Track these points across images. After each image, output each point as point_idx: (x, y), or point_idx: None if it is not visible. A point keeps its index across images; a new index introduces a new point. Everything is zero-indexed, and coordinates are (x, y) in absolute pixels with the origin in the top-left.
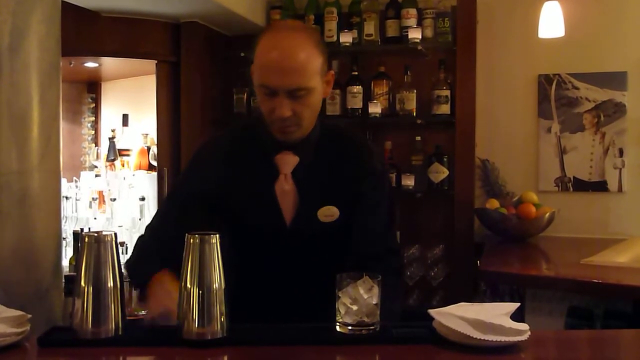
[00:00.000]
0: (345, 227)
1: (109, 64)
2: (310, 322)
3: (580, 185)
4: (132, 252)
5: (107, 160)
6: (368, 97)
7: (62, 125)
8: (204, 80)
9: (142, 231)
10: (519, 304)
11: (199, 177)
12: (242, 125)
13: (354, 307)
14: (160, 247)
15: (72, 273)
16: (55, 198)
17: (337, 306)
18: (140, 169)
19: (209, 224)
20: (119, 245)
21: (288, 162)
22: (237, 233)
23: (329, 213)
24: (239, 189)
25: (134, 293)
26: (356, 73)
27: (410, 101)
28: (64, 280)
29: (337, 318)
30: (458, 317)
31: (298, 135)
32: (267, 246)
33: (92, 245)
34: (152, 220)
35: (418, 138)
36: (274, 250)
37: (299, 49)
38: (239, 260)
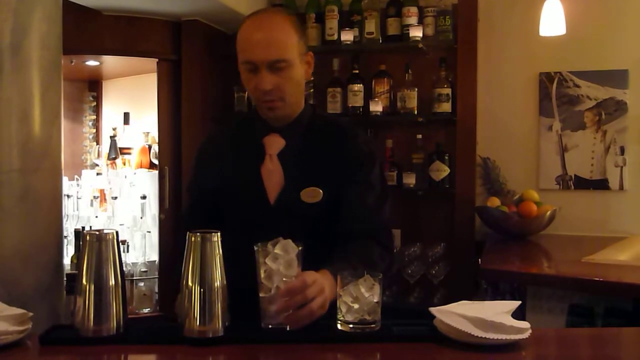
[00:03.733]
0: (330, 209)
1: (110, 62)
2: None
3: (581, 184)
4: None
5: (109, 158)
6: (369, 96)
7: (63, 124)
8: (205, 78)
9: (143, 229)
10: (519, 302)
11: (200, 172)
12: (238, 117)
13: (355, 306)
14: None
15: (73, 271)
16: (56, 196)
17: (338, 304)
18: (141, 167)
19: (216, 217)
20: (120, 244)
21: (275, 143)
22: (229, 217)
23: (313, 194)
24: (230, 173)
25: (135, 291)
26: (357, 71)
27: (411, 99)
28: (65, 279)
29: (339, 316)
30: (459, 315)
31: (284, 112)
32: (253, 226)
33: (93, 243)
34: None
35: (419, 136)
36: (260, 231)
37: (276, 24)
38: (231, 245)
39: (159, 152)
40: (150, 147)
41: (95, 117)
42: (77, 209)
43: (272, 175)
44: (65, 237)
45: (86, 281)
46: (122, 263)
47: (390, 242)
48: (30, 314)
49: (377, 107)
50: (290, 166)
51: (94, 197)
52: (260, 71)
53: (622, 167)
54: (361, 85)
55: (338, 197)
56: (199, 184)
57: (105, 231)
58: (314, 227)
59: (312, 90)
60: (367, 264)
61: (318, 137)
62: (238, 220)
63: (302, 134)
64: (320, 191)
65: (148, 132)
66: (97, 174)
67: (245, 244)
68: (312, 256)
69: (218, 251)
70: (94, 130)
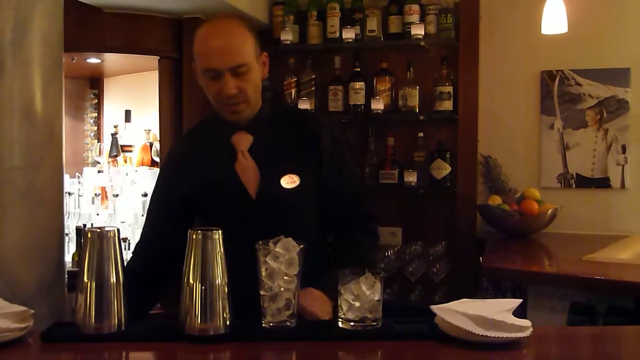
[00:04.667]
0: (310, 194)
1: (112, 59)
2: None
3: (583, 182)
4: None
5: (110, 156)
6: (370, 94)
7: (65, 121)
8: None
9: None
10: (521, 301)
11: (170, 183)
12: (199, 121)
13: (357, 304)
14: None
15: (75, 269)
16: (58, 194)
17: (339, 302)
18: (142, 165)
19: (184, 224)
20: (121, 241)
21: (243, 140)
22: (208, 220)
23: (290, 180)
24: (205, 176)
25: None
26: (358, 69)
27: (413, 97)
28: (66, 276)
29: (340, 314)
30: (460, 313)
31: (247, 114)
32: (237, 224)
33: (94, 241)
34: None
35: (420, 134)
36: (244, 227)
37: (233, 30)
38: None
39: (160, 149)
40: (151, 144)
41: (96, 114)
42: (79, 207)
43: (247, 171)
44: (67, 234)
45: (87, 278)
46: (123, 260)
47: (375, 227)
48: (32, 311)
49: (378, 105)
50: (263, 159)
51: (96, 194)
52: (223, 77)
53: (623, 165)
54: (363, 83)
55: (316, 182)
56: (169, 194)
57: (106, 229)
58: (297, 216)
59: (313, 89)
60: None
61: (284, 128)
62: (221, 220)
63: (268, 127)
64: (297, 177)
65: (149, 130)
66: (99, 171)
67: (233, 242)
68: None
69: (219, 249)
70: (96, 128)
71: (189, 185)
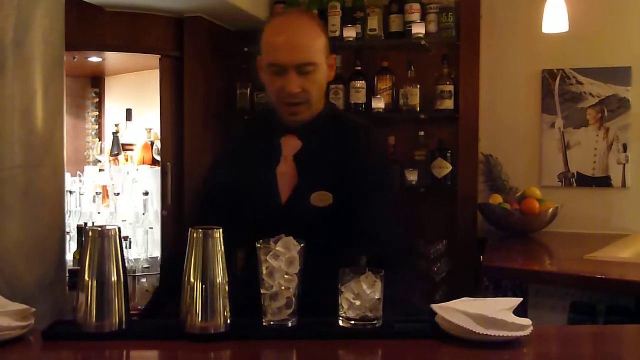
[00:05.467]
0: (340, 213)
1: (113, 58)
2: (301, 313)
3: (584, 181)
4: None
5: (111, 155)
6: (372, 93)
7: (66, 120)
8: (208, 75)
9: (146, 226)
10: (521, 300)
11: (219, 170)
12: (255, 114)
13: (357, 302)
14: None
15: (76, 267)
16: (59, 192)
17: (340, 301)
18: (144, 163)
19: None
20: (122, 240)
21: (291, 145)
22: (239, 218)
23: (322, 198)
24: (247, 173)
25: (137, 287)
26: (360, 68)
27: (414, 96)
28: (68, 275)
29: (340, 313)
30: (461, 312)
31: (307, 116)
32: (264, 228)
33: (96, 239)
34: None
35: (421, 133)
36: (272, 231)
37: (305, 27)
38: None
39: (161, 148)
40: (152, 143)
41: (97, 113)
42: (80, 205)
43: (286, 177)
44: (68, 233)
45: (89, 277)
46: (124, 259)
47: (406, 263)
48: (33, 309)
49: (379, 104)
50: (305, 169)
51: (97, 193)
52: (287, 74)
53: (624, 164)
54: (364, 82)
55: (349, 203)
56: (216, 181)
57: (107, 227)
58: (324, 230)
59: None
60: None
61: (334, 140)
62: (250, 219)
63: (319, 136)
64: (330, 195)
65: (151, 129)
66: (100, 170)
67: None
68: (321, 259)
69: (220, 247)
70: (97, 127)
71: (231, 177)
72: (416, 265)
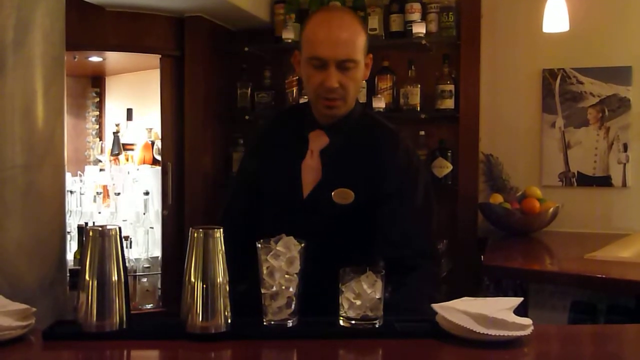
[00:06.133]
0: (361, 212)
1: (113, 58)
2: (316, 312)
3: (584, 180)
4: None
5: (112, 154)
6: (372, 92)
7: (67, 120)
8: (208, 74)
9: (146, 225)
10: (522, 299)
11: (248, 161)
12: (288, 107)
13: (358, 302)
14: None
15: (76, 267)
16: (59, 192)
17: (340, 300)
18: (144, 163)
19: (256, 208)
20: (123, 240)
21: (319, 140)
22: (261, 209)
23: (344, 195)
24: (272, 164)
25: (138, 287)
26: None
27: (414, 96)
28: (68, 274)
29: (341, 312)
30: (461, 311)
31: (342, 112)
32: (284, 222)
33: (96, 239)
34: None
35: (422, 133)
36: (291, 227)
37: (348, 24)
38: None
39: (161, 148)
40: (153, 143)
41: (98, 113)
42: (80, 205)
43: (311, 172)
44: (69, 232)
45: (89, 277)
46: (125, 259)
47: (436, 274)
48: (34, 309)
49: (380, 103)
50: (330, 164)
51: (97, 193)
52: (327, 68)
53: (625, 164)
54: (364, 81)
55: (370, 203)
56: (245, 173)
57: (108, 227)
58: (343, 227)
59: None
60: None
61: (362, 139)
62: (271, 212)
63: (347, 133)
64: (352, 193)
65: (151, 128)
66: (100, 170)
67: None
68: (338, 256)
69: (221, 247)
70: (97, 126)
71: (258, 168)
72: (437, 268)
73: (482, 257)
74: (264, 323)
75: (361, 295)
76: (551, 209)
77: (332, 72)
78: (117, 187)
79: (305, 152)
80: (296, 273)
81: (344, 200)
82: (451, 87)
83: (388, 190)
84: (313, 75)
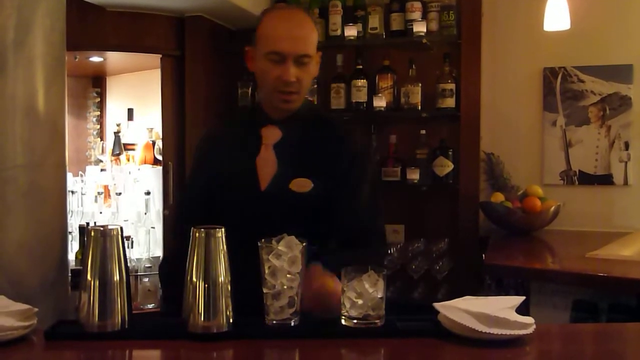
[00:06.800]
0: (319, 201)
1: (114, 58)
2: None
3: (586, 179)
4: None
5: (113, 154)
6: (373, 91)
7: (68, 120)
8: (208, 74)
9: (147, 225)
10: (523, 298)
11: (198, 165)
12: (237, 108)
13: (359, 301)
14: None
15: (78, 267)
16: (61, 192)
17: (342, 300)
18: (145, 163)
19: (214, 211)
20: (124, 239)
21: (272, 134)
22: (218, 207)
23: (302, 184)
24: (227, 162)
25: (140, 287)
26: (361, 67)
27: (415, 95)
28: (70, 274)
29: (343, 312)
30: (463, 310)
31: (296, 106)
32: (242, 217)
33: (98, 239)
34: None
35: (423, 132)
36: (249, 223)
37: (305, 21)
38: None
39: (162, 148)
40: (154, 143)
41: (99, 113)
42: (82, 205)
43: (266, 165)
44: (70, 233)
45: (91, 277)
46: (126, 259)
47: (385, 253)
48: (35, 309)
49: (380, 102)
50: (284, 157)
51: (98, 193)
52: (285, 63)
53: (626, 162)
54: (365, 80)
55: (328, 192)
56: (198, 177)
57: (109, 227)
58: (303, 217)
59: (315, 86)
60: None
61: (314, 132)
62: (231, 209)
63: (299, 127)
64: (310, 182)
65: (152, 128)
66: (101, 170)
67: (238, 234)
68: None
69: (222, 247)
70: (98, 126)
71: (211, 170)
72: (384, 247)
73: (483, 256)
74: (266, 323)
75: (363, 295)
76: (552, 208)
77: (290, 66)
78: (118, 187)
79: (259, 147)
80: (298, 272)
81: (303, 189)
82: (452, 85)
83: (340, 177)
84: (270, 70)
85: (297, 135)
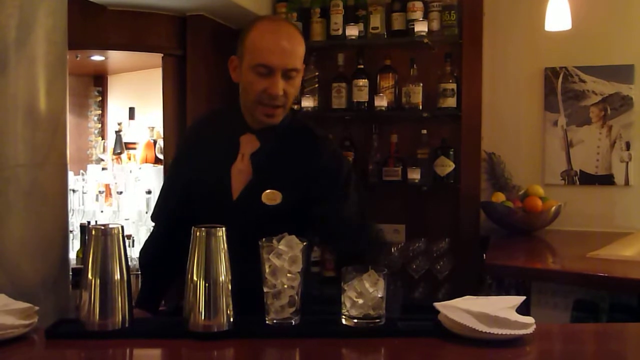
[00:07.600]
0: (290, 214)
1: (115, 57)
2: (246, 310)
3: (587, 179)
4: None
5: (114, 153)
6: (374, 91)
7: (69, 119)
8: (210, 73)
9: (148, 224)
10: (524, 298)
11: (177, 163)
12: (217, 110)
13: (360, 301)
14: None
15: (79, 266)
16: (62, 191)
17: (342, 299)
18: (146, 162)
19: (186, 212)
20: (125, 238)
21: (249, 144)
22: (189, 215)
23: (272, 197)
24: (203, 168)
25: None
26: (362, 66)
27: (416, 94)
28: (71, 273)
29: (343, 311)
30: (463, 310)
31: (278, 120)
32: (216, 220)
33: (99, 238)
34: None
35: (424, 131)
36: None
37: (294, 35)
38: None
39: (164, 147)
40: (155, 142)
41: (100, 112)
42: (83, 204)
43: (241, 175)
44: (71, 231)
45: (92, 275)
46: (127, 257)
47: (374, 245)
48: (36, 308)
49: (382, 102)
50: (259, 168)
51: (100, 191)
52: (273, 76)
53: (627, 162)
54: (366, 80)
55: (298, 204)
56: (174, 177)
57: (110, 226)
58: (273, 228)
59: (316, 86)
60: None
61: (292, 143)
62: (203, 216)
63: (278, 138)
64: (280, 194)
65: (153, 127)
66: (103, 168)
67: None
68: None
69: (223, 246)
70: (100, 125)
71: (189, 172)
72: (382, 255)
73: (484, 255)
74: (267, 322)
75: (363, 294)
76: (553, 208)
77: (278, 80)
78: (119, 185)
79: (236, 156)
80: (298, 272)
81: (272, 202)
82: (453, 85)
83: (316, 193)
84: (256, 82)
85: (274, 146)
